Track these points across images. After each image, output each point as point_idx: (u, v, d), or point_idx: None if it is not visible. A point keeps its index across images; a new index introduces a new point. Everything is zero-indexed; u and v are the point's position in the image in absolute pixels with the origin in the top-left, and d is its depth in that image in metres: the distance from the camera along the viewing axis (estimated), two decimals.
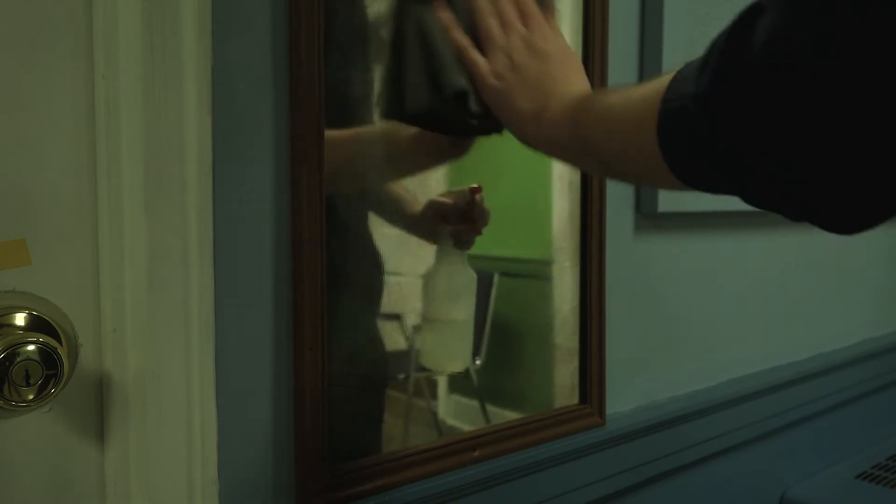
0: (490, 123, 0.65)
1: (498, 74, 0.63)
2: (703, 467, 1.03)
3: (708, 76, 0.39)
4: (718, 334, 1.09)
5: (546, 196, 0.86)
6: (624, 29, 0.90)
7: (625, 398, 0.95)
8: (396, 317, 0.74)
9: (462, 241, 0.75)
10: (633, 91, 0.50)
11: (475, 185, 0.74)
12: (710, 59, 0.40)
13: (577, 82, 0.63)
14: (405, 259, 0.74)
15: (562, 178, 0.86)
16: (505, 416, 0.81)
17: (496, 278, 0.81)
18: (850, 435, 1.33)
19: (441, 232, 0.74)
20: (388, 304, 0.72)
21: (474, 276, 0.77)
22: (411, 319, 0.74)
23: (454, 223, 0.75)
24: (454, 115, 0.64)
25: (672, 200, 0.94)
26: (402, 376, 0.74)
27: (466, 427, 0.78)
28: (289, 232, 0.61)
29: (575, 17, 0.83)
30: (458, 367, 0.78)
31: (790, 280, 1.21)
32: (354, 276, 0.68)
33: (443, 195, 0.74)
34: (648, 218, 0.95)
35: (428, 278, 0.75)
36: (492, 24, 0.64)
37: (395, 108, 0.66)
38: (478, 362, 0.80)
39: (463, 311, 0.78)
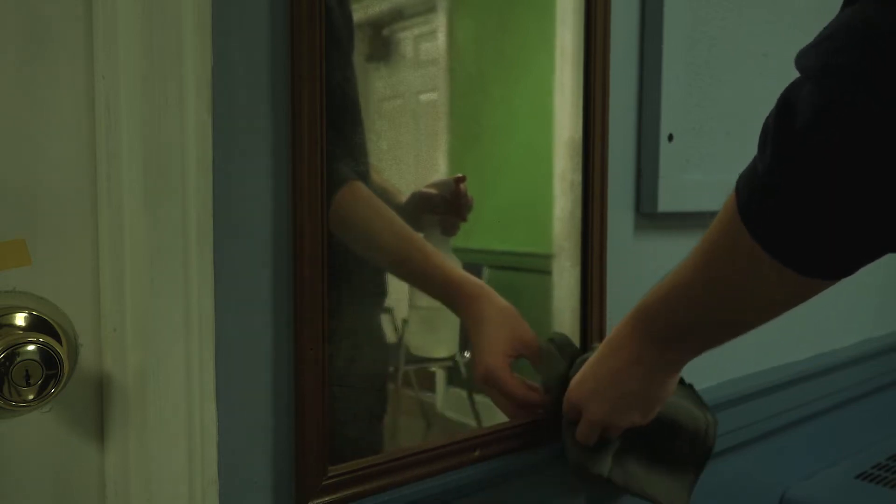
0: None
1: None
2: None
3: (769, 156, 0.45)
4: None
5: (547, 195, 0.86)
6: (625, 29, 0.90)
7: None
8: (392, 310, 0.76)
9: (447, 228, 0.79)
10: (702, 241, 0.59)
11: (460, 175, 0.77)
12: (767, 140, 0.45)
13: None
14: None
15: (563, 178, 0.86)
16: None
17: (486, 272, 0.82)
18: (850, 435, 1.33)
19: (427, 221, 0.77)
20: (388, 300, 0.73)
21: (459, 263, 0.80)
22: (401, 312, 0.76)
23: (440, 212, 0.77)
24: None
25: (672, 200, 0.94)
26: (391, 369, 0.75)
27: (464, 420, 0.80)
28: (289, 231, 0.61)
29: (576, 18, 0.83)
30: (443, 352, 0.81)
31: None
32: (355, 275, 0.68)
33: (428, 186, 0.76)
34: (648, 218, 0.95)
35: None
36: None
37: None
38: (466, 355, 0.81)
39: None
